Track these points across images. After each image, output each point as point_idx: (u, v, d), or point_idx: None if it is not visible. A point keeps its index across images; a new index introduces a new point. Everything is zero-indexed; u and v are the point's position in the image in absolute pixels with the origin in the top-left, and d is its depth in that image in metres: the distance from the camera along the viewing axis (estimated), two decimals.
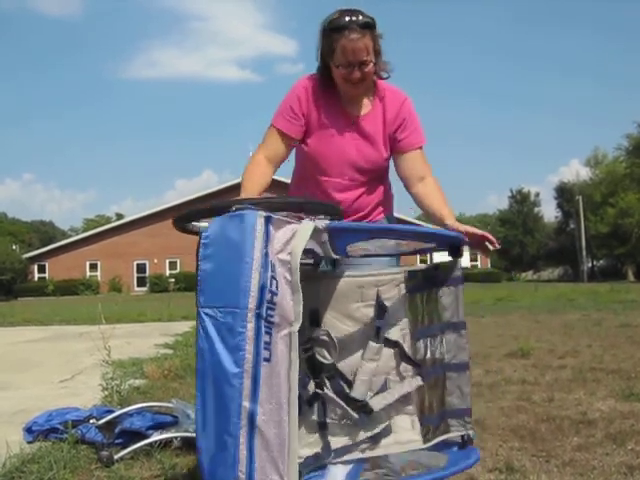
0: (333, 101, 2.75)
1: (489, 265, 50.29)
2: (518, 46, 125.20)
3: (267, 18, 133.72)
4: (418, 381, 2.40)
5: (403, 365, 2.43)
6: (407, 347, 2.43)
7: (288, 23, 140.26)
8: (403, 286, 2.46)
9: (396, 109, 2.72)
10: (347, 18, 2.54)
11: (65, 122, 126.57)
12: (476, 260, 49.80)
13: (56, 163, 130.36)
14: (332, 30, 2.57)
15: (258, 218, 1.93)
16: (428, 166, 2.74)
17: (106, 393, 4.30)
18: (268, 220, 1.95)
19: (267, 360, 1.88)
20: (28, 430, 3.33)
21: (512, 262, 66.37)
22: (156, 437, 3.05)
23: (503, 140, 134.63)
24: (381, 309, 2.39)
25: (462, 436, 2.33)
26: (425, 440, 2.39)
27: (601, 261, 60.38)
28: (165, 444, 3.01)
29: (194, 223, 2.23)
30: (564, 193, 62.01)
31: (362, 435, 2.35)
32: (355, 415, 2.33)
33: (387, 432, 2.39)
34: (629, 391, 4.31)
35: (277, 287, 1.92)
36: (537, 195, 70.16)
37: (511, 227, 67.72)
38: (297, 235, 1.98)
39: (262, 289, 1.89)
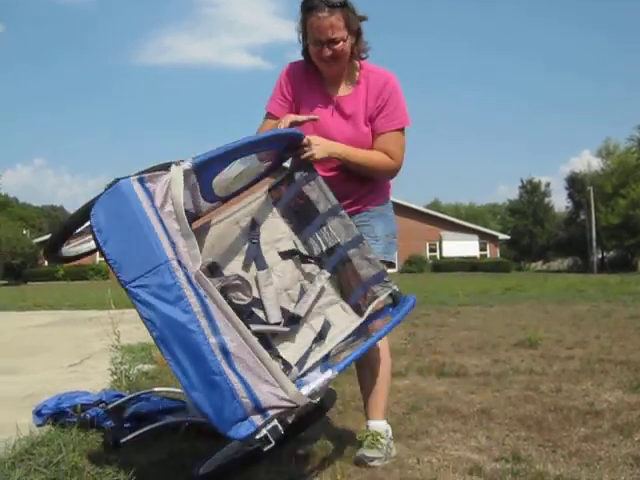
0: (316, 83, 2.84)
1: (498, 255, 50.17)
2: (531, 38, 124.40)
3: (279, 5, 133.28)
4: (325, 273, 2.61)
5: (308, 266, 2.62)
6: (302, 250, 2.63)
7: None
8: (271, 202, 2.63)
9: (378, 90, 2.77)
10: None
11: (77, 108, 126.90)
12: (485, 250, 49.66)
13: (67, 148, 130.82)
14: (305, 11, 2.68)
15: (133, 183, 2.03)
16: (394, 149, 2.79)
17: (115, 378, 4.32)
18: (141, 180, 2.04)
19: (206, 296, 1.97)
20: (37, 413, 3.36)
21: (522, 252, 66.20)
22: (164, 422, 3.07)
23: (514, 130, 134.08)
24: (253, 228, 2.58)
25: (391, 294, 2.59)
26: (361, 313, 2.62)
27: (611, 252, 60.04)
28: (173, 429, 3.03)
29: (66, 249, 2.32)
30: (575, 183, 61.63)
31: (308, 341, 2.49)
32: (287, 329, 2.47)
33: (327, 326, 2.58)
34: (637, 382, 4.30)
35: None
36: (548, 185, 69.90)
37: (521, 217, 67.48)
38: (172, 184, 2.05)
39: (170, 239, 2.00)
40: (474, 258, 47.24)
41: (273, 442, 1.98)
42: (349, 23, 2.69)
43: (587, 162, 66.87)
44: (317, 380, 2.19)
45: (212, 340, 1.95)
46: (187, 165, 2.08)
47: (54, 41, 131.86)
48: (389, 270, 2.82)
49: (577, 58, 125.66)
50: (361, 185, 2.86)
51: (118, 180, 2.07)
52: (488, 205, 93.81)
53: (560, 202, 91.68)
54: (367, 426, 2.90)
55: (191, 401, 2.01)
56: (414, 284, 23.69)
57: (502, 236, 53.70)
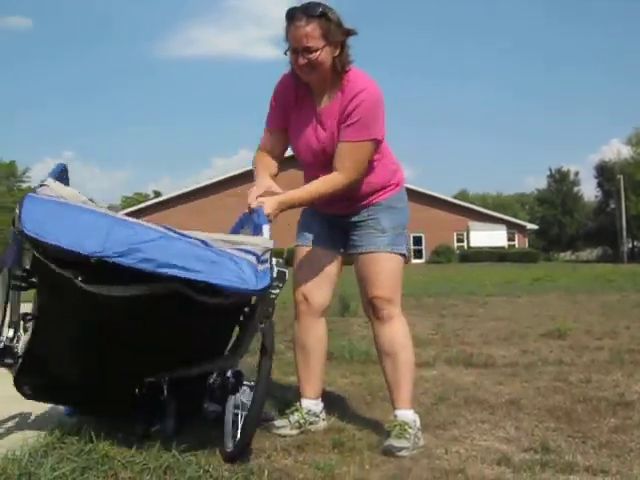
0: (306, 94, 2.92)
1: (526, 245, 49.74)
2: (560, 28, 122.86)
3: None
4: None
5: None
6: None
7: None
8: None
9: (348, 99, 2.80)
10: (297, 7, 2.72)
11: (104, 101, 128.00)
12: (513, 240, 49.25)
13: (95, 141, 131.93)
14: (286, 20, 2.75)
15: (33, 195, 2.50)
16: (345, 163, 2.80)
17: None
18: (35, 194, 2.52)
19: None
20: None
21: (550, 242, 65.68)
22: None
23: (542, 119, 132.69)
24: None
25: None
26: None
27: None
28: (204, 418, 3.04)
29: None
30: (604, 172, 60.94)
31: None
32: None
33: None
34: None
35: None
36: (577, 174, 69.33)
37: (550, 207, 66.92)
38: (56, 187, 2.61)
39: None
40: (502, 248, 46.84)
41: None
42: (327, 34, 2.73)
43: (617, 150, 66.15)
44: (265, 229, 2.62)
45: (190, 240, 2.43)
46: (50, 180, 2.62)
47: (81, 35, 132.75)
48: (401, 262, 3.00)
49: (606, 46, 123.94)
50: (360, 186, 2.92)
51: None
52: (516, 195, 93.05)
53: (589, 191, 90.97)
54: (395, 416, 2.90)
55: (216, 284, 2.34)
56: (442, 274, 23.59)
57: (530, 226, 53.21)
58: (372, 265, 2.97)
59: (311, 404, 3.10)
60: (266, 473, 2.40)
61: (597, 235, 61.61)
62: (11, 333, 2.70)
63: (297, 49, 2.74)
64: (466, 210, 49.44)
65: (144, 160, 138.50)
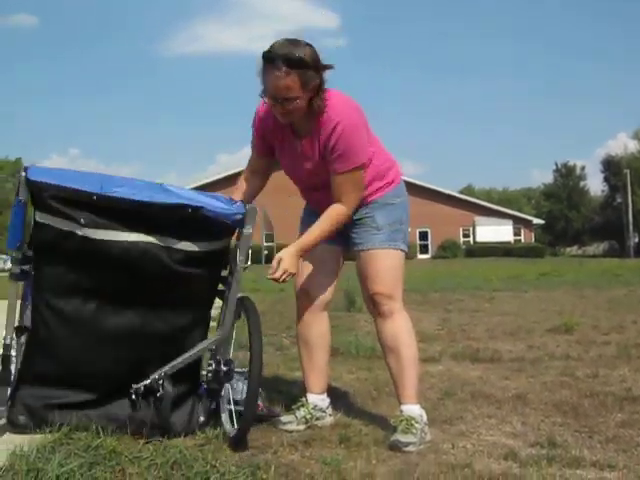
0: (284, 124, 2.92)
1: (533, 240, 49.66)
2: (563, 23, 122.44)
3: None
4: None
5: None
6: None
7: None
8: None
9: (327, 134, 2.82)
10: (277, 51, 2.67)
11: (110, 98, 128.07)
12: (519, 235, 49.17)
13: (101, 138, 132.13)
14: (263, 60, 2.73)
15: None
16: (346, 194, 2.85)
17: None
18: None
19: None
20: None
21: (556, 237, 65.56)
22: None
23: (547, 113, 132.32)
24: None
25: None
26: None
27: None
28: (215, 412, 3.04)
29: None
30: (611, 166, 60.77)
31: None
32: None
33: None
34: None
35: None
36: (583, 169, 69.10)
37: (556, 201, 66.78)
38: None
39: None
40: (508, 243, 46.79)
41: None
42: (306, 83, 2.73)
43: (623, 145, 65.73)
44: None
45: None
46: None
47: (85, 33, 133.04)
48: (401, 257, 3.00)
49: (611, 39, 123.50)
50: None
51: None
52: (522, 189, 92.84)
53: (595, 186, 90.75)
54: (401, 411, 2.90)
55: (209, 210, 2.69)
56: (447, 269, 23.58)
57: (536, 221, 53.12)
58: (371, 262, 2.98)
59: (317, 399, 3.11)
60: (273, 468, 2.40)
61: (604, 230, 61.47)
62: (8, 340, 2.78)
63: (276, 98, 2.75)
64: (472, 205, 49.39)
65: (149, 156, 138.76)
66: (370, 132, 2.96)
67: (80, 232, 2.61)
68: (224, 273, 2.94)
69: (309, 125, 2.86)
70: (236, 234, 2.85)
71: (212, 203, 2.74)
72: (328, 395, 3.19)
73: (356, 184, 2.87)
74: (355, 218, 2.99)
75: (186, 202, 2.69)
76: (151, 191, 2.70)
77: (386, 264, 2.98)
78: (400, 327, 2.97)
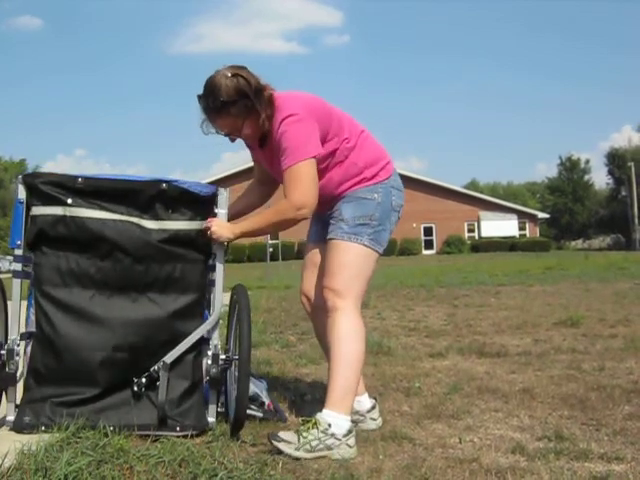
0: None
1: (538, 234, 49.59)
2: (570, 16, 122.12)
3: None
4: None
5: None
6: None
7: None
8: None
9: (274, 132, 2.81)
10: (202, 101, 2.79)
11: (113, 99, 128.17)
12: (524, 229, 49.10)
13: (106, 139, 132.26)
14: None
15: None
16: (287, 190, 2.79)
17: None
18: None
19: None
20: None
21: (561, 231, 65.44)
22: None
23: (551, 107, 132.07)
24: None
25: None
26: None
27: None
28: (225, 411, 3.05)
29: None
30: (616, 160, 60.57)
31: None
32: None
33: None
34: None
35: None
36: (587, 162, 68.84)
37: (560, 195, 66.63)
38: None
39: None
40: (513, 238, 46.74)
41: None
42: (239, 114, 2.77)
43: (628, 138, 65.50)
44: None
45: None
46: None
47: (89, 33, 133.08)
48: (362, 253, 2.83)
49: (616, 32, 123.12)
50: (325, 185, 2.87)
51: None
52: (527, 184, 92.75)
53: (600, 179, 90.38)
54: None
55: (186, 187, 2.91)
56: (453, 265, 23.56)
57: (541, 215, 53.04)
58: (329, 253, 2.87)
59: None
60: (280, 465, 2.41)
61: (609, 223, 61.31)
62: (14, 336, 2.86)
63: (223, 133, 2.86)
64: (477, 200, 49.33)
65: (155, 156, 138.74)
66: (346, 126, 2.90)
67: (68, 213, 2.85)
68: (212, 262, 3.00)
69: (268, 133, 2.85)
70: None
71: (193, 185, 2.93)
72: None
73: (299, 180, 2.73)
74: (329, 213, 2.92)
75: (160, 178, 2.92)
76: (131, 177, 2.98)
77: (342, 259, 2.82)
78: (339, 327, 2.76)
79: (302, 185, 2.73)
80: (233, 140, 2.90)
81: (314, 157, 2.75)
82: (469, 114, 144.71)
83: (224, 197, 2.95)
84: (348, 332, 2.76)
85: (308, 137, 2.75)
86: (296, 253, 38.76)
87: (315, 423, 2.61)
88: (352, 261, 2.82)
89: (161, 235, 2.88)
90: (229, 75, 2.75)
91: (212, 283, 2.98)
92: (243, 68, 2.82)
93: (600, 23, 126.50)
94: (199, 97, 2.80)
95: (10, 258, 34.45)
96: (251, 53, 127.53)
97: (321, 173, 2.82)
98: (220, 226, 2.87)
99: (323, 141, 2.81)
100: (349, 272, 2.82)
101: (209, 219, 2.89)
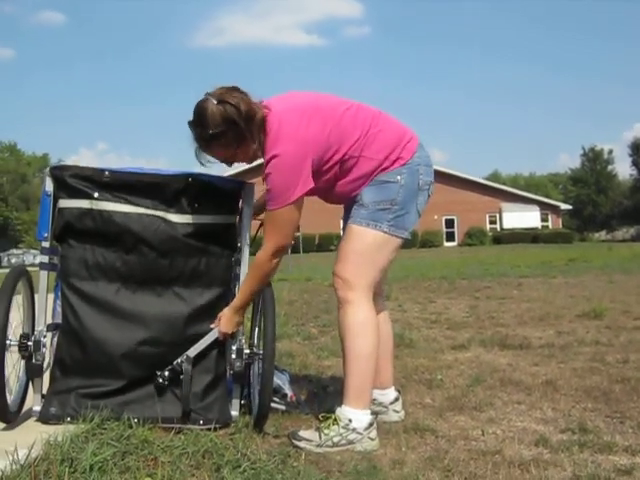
0: None
1: (560, 225, 49.19)
2: (593, 7, 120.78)
3: None
4: None
5: None
6: None
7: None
8: None
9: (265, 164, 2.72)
10: (192, 133, 2.72)
11: (135, 93, 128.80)
12: (547, 220, 48.73)
13: (128, 133, 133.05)
14: None
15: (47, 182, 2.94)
16: (267, 231, 2.72)
17: None
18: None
19: None
20: None
21: (584, 222, 64.88)
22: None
23: (574, 97, 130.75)
24: None
25: None
26: None
27: None
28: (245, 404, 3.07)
29: None
30: (639, 150, 59.83)
31: None
32: None
33: None
34: None
35: None
36: (610, 152, 68.16)
37: (583, 186, 66.06)
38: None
39: None
40: (535, 229, 46.40)
41: None
42: (229, 143, 2.68)
43: None
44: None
45: None
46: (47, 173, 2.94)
47: (111, 30, 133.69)
48: (380, 240, 2.71)
49: (636, 22, 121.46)
50: (341, 185, 2.79)
51: None
52: (549, 175, 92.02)
53: (624, 169, 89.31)
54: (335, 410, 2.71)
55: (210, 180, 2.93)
56: (474, 257, 23.45)
57: (564, 206, 52.61)
58: (345, 238, 2.79)
59: (376, 394, 2.96)
60: (303, 456, 2.42)
61: (633, 214, 60.64)
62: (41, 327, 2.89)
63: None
64: (498, 191, 49.04)
65: (175, 150, 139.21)
66: (350, 128, 2.71)
67: (95, 207, 2.86)
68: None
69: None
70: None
71: (211, 174, 2.96)
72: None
73: (278, 225, 2.68)
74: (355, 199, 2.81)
75: (187, 172, 2.92)
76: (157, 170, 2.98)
77: (355, 246, 2.74)
78: (349, 321, 2.71)
79: (281, 231, 2.69)
80: (231, 165, 2.86)
81: (296, 201, 2.64)
82: (492, 106, 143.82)
83: (249, 190, 2.98)
84: (358, 326, 2.71)
85: (293, 179, 2.62)
86: (317, 246, 38.88)
87: (335, 419, 2.62)
88: (365, 249, 2.73)
89: (186, 229, 2.88)
90: (215, 102, 2.62)
91: (237, 277, 2.99)
92: (234, 90, 2.68)
93: (624, 16, 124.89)
94: (189, 124, 2.71)
95: (34, 252, 34.86)
96: (272, 46, 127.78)
97: (333, 180, 2.77)
98: (226, 324, 2.84)
99: (323, 159, 2.69)
100: (360, 260, 2.73)
101: (219, 315, 2.86)
